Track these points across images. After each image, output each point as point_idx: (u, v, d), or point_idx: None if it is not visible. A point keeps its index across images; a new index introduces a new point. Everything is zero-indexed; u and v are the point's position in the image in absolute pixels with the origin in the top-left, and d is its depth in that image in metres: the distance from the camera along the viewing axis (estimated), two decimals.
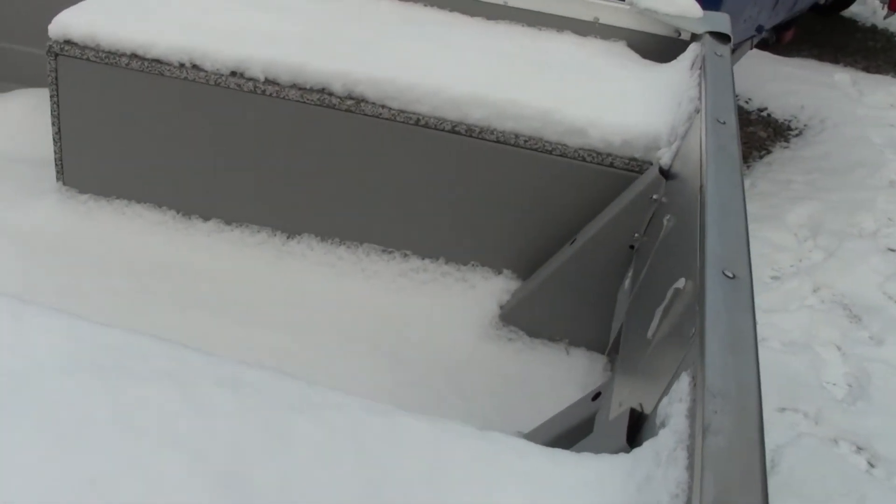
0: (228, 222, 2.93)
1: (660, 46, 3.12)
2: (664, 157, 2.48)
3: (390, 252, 2.85)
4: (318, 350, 2.51)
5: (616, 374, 2.08)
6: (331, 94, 2.70)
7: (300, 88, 2.71)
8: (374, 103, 2.68)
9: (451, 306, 2.73)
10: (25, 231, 2.89)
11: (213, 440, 1.33)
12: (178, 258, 2.84)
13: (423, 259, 2.84)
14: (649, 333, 1.81)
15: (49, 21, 2.84)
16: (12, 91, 3.62)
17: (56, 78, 2.89)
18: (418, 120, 2.66)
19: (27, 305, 1.58)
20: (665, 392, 1.45)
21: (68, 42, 2.84)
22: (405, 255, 2.84)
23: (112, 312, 2.57)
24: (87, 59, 2.82)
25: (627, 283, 2.40)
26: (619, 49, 3.11)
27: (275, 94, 2.73)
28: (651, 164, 2.52)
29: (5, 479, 1.22)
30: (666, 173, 2.42)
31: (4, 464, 1.24)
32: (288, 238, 2.90)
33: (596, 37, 3.17)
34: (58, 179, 3.04)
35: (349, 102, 2.69)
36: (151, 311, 2.60)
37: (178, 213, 2.96)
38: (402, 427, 1.42)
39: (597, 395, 2.07)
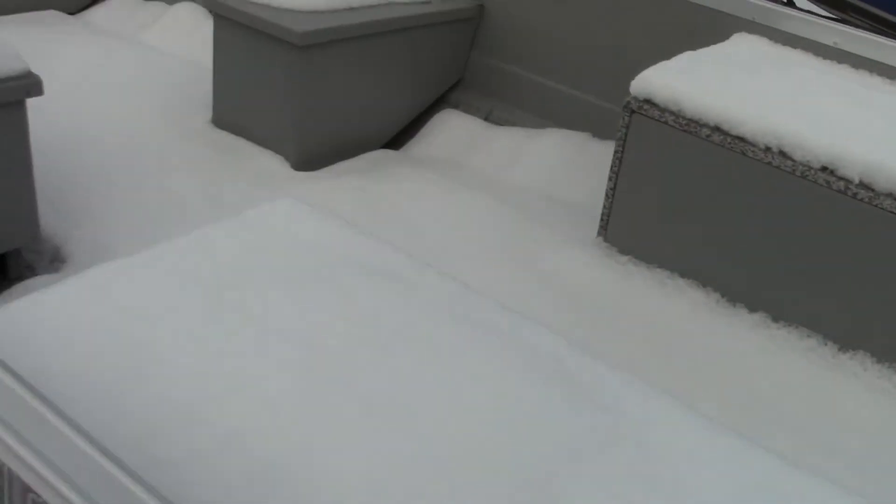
0: (776, 319, 2.71)
1: None
2: None
3: None
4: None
5: None
6: None
7: None
8: None
9: None
10: (562, 279, 2.87)
11: None
12: (714, 343, 2.68)
13: None
14: None
15: None
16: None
17: (626, 134, 2.83)
18: None
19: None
20: None
21: (648, 102, 2.77)
22: None
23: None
24: (665, 122, 2.73)
25: None
26: None
27: (866, 201, 2.46)
28: None
29: None
30: None
31: None
32: (840, 350, 2.62)
33: None
34: (599, 234, 2.99)
35: None
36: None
37: (722, 296, 2.78)
38: None
39: None
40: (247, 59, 3.39)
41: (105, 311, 1.48)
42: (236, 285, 1.56)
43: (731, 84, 2.78)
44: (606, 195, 2.93)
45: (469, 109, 3.80)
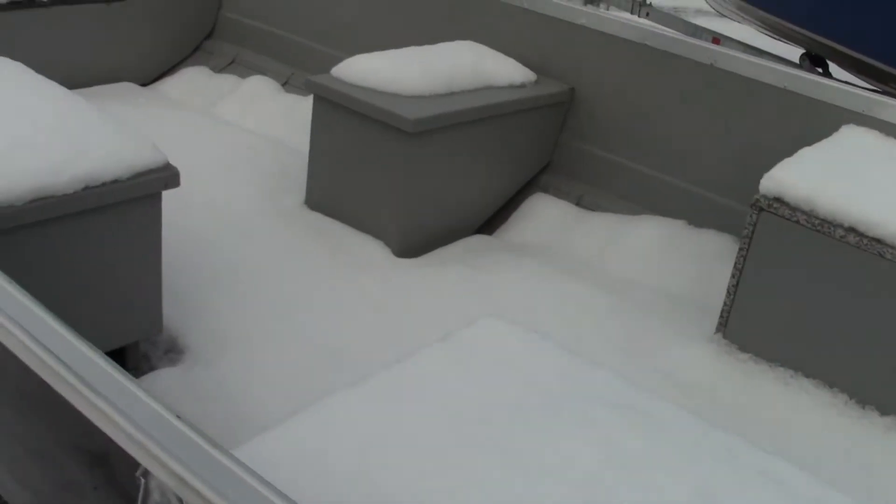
0: None
1: None
2: None
3: None
4: None
5: None
6: None
7: None
8: None
9: None
10: (682, 376, 2.82)
11: None
12: (844, 446, 2.62)
13: None
14: None
15: None
16: None
17: (753, 232, 2.80)
18: None
19: None
20: None
21: (779, 200, 2.74)
22: None
23: None
24: (796, 221, 2.70)
25: None
26: None
27: None
28: None
29: None
30: None
31: None
32: None
33: None
34: (718, 330, 2.95)
35: None
36: None
37: (850, 397, 2.74)
38: None
39: None
40: (347, 142, 3.36)
41: (350, 441, 1.44)
42: (474, 415, 1.51)
43: (859, 182, 2.75)
44: (728, 291, 2.89)
45: (559, 194, 3.77)
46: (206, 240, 3.22)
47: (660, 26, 4.30)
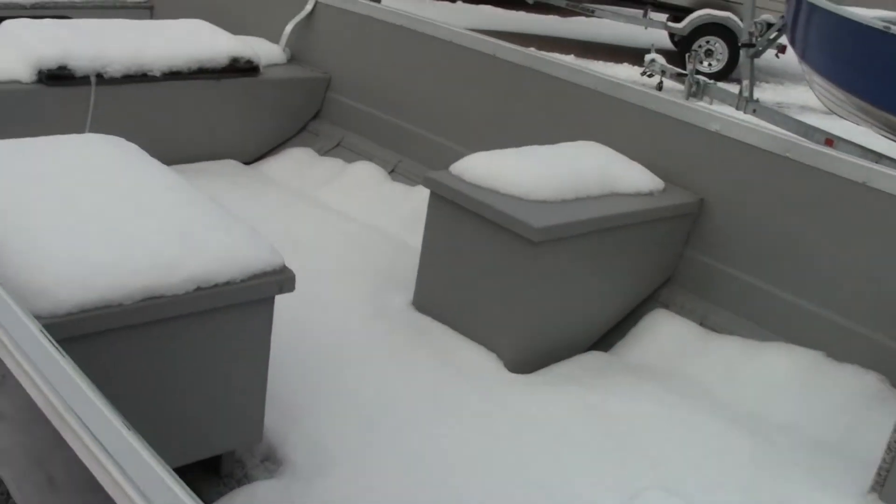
0: None
1: None
2: None
3: None
4: None
5: None
6: None
7: None
8: None
9: None
10: None
11: None
12: None
13: None
14: None
15: None
16: None
17: None
18: None
19: None
20: None
21: None
22: None
23: None
24: None
25: None
26: None
27: None
28: None
29: None
30: None
31: None
32: None
33: None
34: (873, 490, 2.62)
35: None
36: None
37: None
38: None
39: None
40: (464, 245, 3.15)
41: None
42: None
43: None
44: (888, 448, 2.57)
45: (682, 311, 3.50)
46: (308, 339, 3.03)
47: (802, 139, 3.98)
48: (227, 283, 2.13)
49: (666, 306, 3.53)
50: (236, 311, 2.18)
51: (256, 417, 2.38)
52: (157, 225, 2.17)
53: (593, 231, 3.11)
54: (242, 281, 2.15)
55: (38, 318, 1.88)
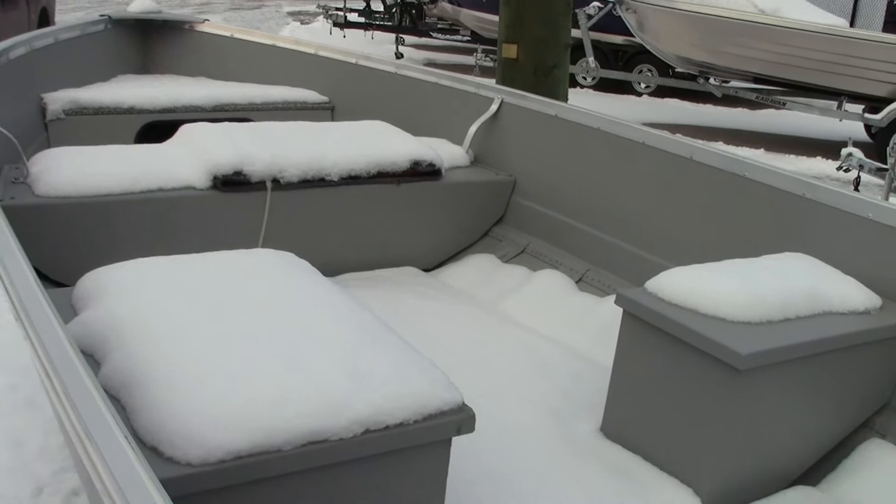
0: None
1: None
2: None
3: None
4: None
5: None
6: None
7: None
8: None
9: None
10: None
11: None
12: None
13: None
14: None
15: None
16: None
17: None
18: None
19: None
20: None
21: None
22: None
23: None
24: None
25: None
26: None
27: None
28: None
29: None
30: None
31: None
32: None
33: None
34: None
35: None
36: None
37: None
38: None
39: None
40: (660, 369, 2.84)
41: None
42: None
43: None
44: None
45: None
46: (486, 474, 2.75)
47: None
48: (400, 426, 1.90)
49: (882, 436, 3.08)
50: (408, 454, 1.94)
51: None
52: (328, 356, 1.97)
53: (804, 357, 2.73)
54: (416, 423, 1.92)
55: (188, 465, 1.69)
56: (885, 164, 7.29)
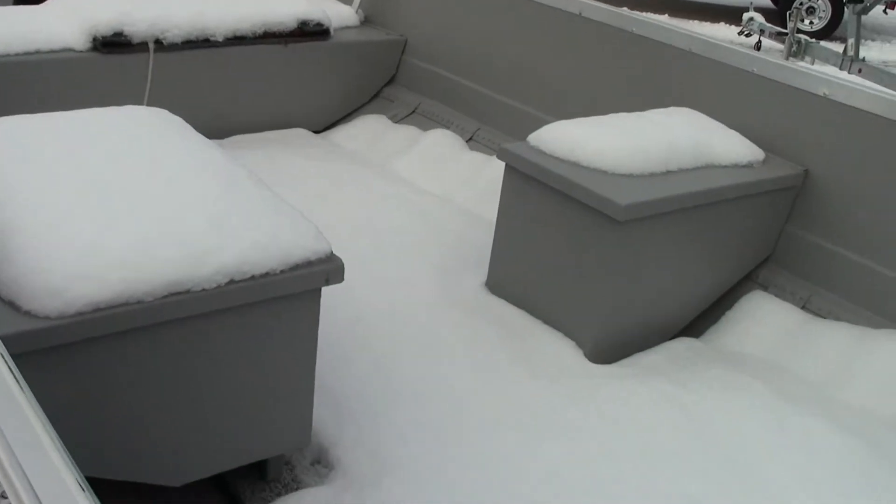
0: None
1: None
2: None
3: None
4: None
5: None
6: None
7: None
8: None
9: None
10: None
11: None
12: None
13: None
14: None
15: None
16: None
17: None
18: None
19: None
20: None
21: None
22: None
23: None
24: None
25: None
26: None
27: None
28: None
29: None
30: None
31: None
32: None
33: None
34: None
35: None
36: None
37: None
38: None
39: None
40: (542, 223, 2.88)
41: None
42: None
43: None
44: None
45: (782, 294, 3.17)
46: (368, 326, 2.80)
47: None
48: (265, 276, 1.91)
49: (764, 288, 3.21)
50: (276, 305, 1.96)
51: (304, 420, 2.17)
52: (193, 208, 1.95)
53: (685, 208, 2.81)
54: (282, 272, 1.93)
55: (46, 318, 1.69)
56: (785, 28, 7.39)
